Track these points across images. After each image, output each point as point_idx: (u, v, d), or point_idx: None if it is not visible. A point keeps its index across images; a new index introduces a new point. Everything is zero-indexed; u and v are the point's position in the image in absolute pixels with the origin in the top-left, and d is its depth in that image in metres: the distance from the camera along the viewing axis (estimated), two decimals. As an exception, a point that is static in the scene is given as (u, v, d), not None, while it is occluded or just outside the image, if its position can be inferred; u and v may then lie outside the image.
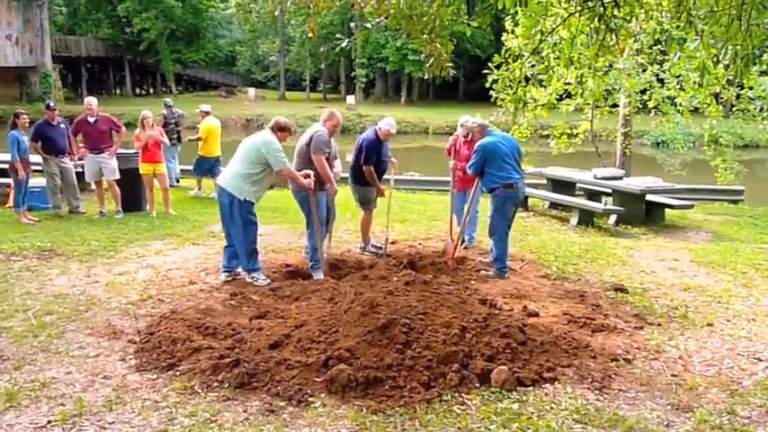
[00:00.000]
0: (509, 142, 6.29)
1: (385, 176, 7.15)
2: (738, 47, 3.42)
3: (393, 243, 7.39)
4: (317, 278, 5.93)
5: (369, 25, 4.84)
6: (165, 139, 9.58)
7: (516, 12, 5.53)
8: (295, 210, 7.17)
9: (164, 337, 4.26)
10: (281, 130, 5.77)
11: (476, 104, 38.55)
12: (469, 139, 7.09)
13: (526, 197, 10.32)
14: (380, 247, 7.24)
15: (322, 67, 52.32)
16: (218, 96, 48.22)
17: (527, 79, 6.23)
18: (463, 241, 7.13)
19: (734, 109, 12.97)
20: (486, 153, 6.09)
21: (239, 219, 5.60)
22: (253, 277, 5.72)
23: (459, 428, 3.24)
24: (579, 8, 4.28)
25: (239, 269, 5.87)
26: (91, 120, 9.05)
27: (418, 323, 4.08)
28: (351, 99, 39.98)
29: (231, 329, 4.40)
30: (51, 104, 9.11)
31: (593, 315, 4.96)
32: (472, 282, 5.94)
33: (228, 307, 5.04)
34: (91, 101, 9.20)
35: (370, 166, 6.80)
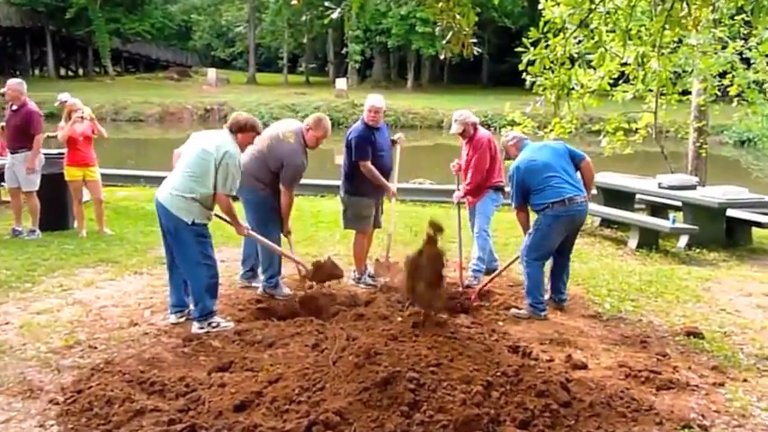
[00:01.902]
0: (547, 150, 6.42)
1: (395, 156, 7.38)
2: None
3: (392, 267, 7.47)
4: (281, 295, 6.42)
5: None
6: (104, 132, 9.61)
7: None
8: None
9: (96, 396, 4.24)
10: (241, 130, 5.70)
11: (504, 91, 38.58)
12: (470, 136, 7.36)
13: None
14: (379, 277, 7.31)
15: (304, 41, 52.74)
16: (168, 79, 48.60)
17: (572, 59, 6.28)
18: (486, 273, 7.25)
19: None
20: (519, 177, 6.26)
21: (189, 249, 5.59)
22: (210, 324, 5.67)
23: None
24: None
25: (191, 307, 5.88)
26: (15, 108, 9.00)
27: (429, 378, 4.08)
28: (341, 83, 40.23)
29: (184, 386, 4.40)
30: None
31: (659, 367, 4.97)
32: (500, 323, 5.97)
33: (181, 356, 5.05)
34: (15, 85, 9.04)
35: (365, 159, 6.93)
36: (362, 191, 6.96)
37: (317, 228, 10.25)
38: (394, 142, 7.35)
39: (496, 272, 7.01)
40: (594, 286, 7.29)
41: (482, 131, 7.44)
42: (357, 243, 7.30)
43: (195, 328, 5.63)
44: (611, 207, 10.71)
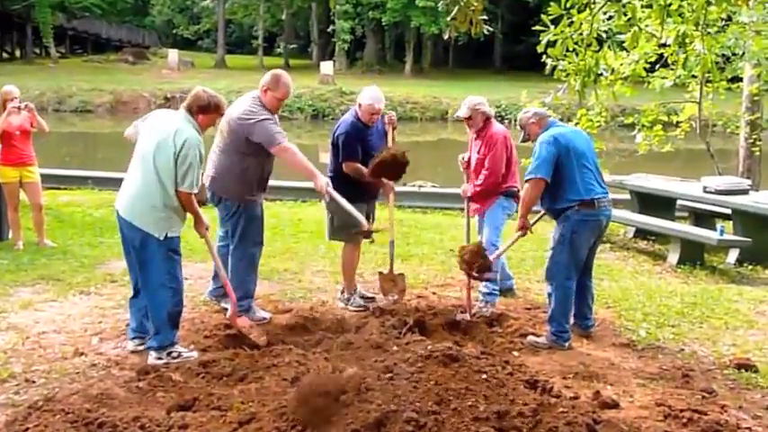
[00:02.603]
0: (583, 136, 6.52)
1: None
2: None
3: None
4: (257, 319, 6.50)
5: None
6: (45, 126, 9.54)
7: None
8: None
9: (33, 438, 4.23)
10: (203, 110, 5.64)
11: (520, 77, 38.78)
12: (480, 128, 7.36)
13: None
14: (371, 298, 7.33)
15: (282, 17, 52.87)
16: (122, 62, 48.65)
17: (600, 40, 6.30)
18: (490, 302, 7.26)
19: None
20: (557, 149, 6.15)
21: (155, 268, 5.59)
22: (170, 354, 5.67)
23: None
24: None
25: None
26: None
27: (431, 418, 4.08)
28: (327, 67, 40.32)
29: (139, 427, 4.37)
30: None
31: (704, 407, 4.96)
32: (515, 353, 5.97)
33: (135, 392, 5.01)
34: None
35: (353, 160, 6.98)
36: (351, 195, 6.81)
37: (297, 239, 10.25)
38: (385, 134, 7.38)
39: (499, 251, 7.08)
40: (627, 309, 7.30)
41: (497, 126, 7.39)
42: (346, 256, 7.31)
43: (152, 358, 5.60)
44: (647, 215, 10.73)
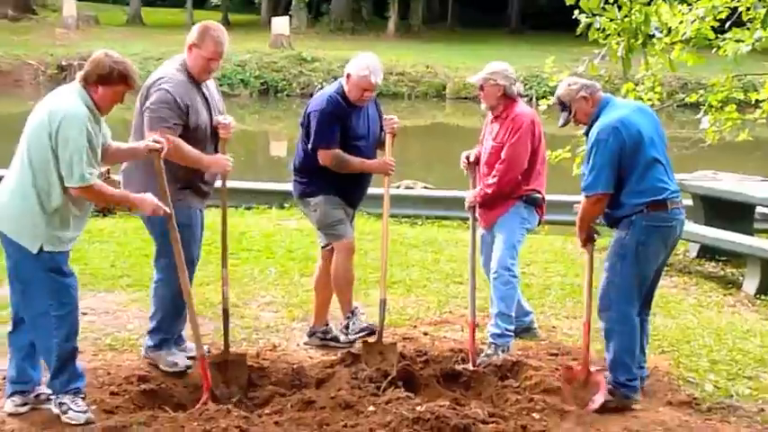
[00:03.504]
0: (647, 116, 6.54)
1: (380, 152, 7.54)
2: None
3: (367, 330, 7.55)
4: (168, 365, 6.56)
5: None
6: None
7: None
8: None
9: None
10: (103, 81, 5.60)
11: (543, 39, 38.56)
12: (499, 112, 7.38)
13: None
14: (348, 332, 7.49)
15: (220, -44, 52.81)
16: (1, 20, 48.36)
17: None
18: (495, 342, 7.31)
19: None
20: (618, 144, 6.17)
21: (36, 292, 5.62)
22: (61, 406, 5.68)
23: None
24: None
25: (42, 388, 5.88)
26: None
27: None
28: (280, 24, 40.10)
29: None
30: None
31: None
32: (535, 415, 5.98)
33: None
34: None
35: (328, 147, 7.10)
36: (326, 188, 7.25)
37: (239, 259, 10.24)
38: (381, 140, 7.51)
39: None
40: (689, 355, 7.36)
41: (523, 107, 7.44)
42: (339, 266, 7.39)
43: (54, 406, 5.71)
44: (715, 227, 10.75)
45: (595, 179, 6.18)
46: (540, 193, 7.43)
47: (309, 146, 7.18)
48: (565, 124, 6.62)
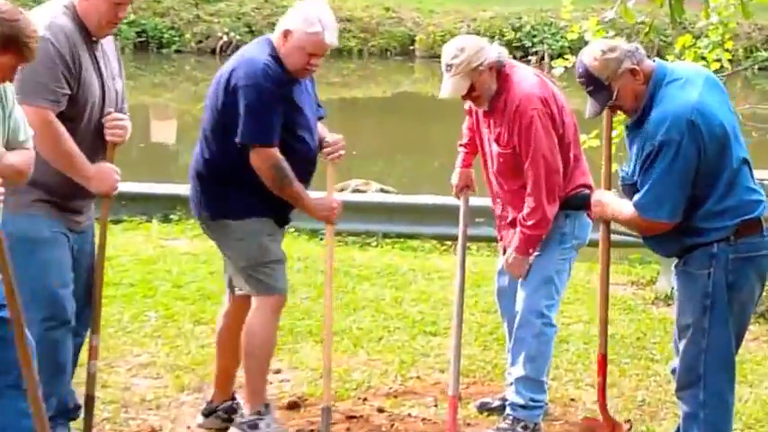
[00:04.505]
0: (717, 87, 6.39)
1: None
2: None
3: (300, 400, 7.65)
4: None
5: None
6: None
7: None
8: None
9: None
10: None
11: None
12: (494, 99, 7.24)
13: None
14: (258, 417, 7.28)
15: None
16: None
17: None
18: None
19: None
20: (703, 140, 6.01)
21: None
22: None
23: None
24: None
25: None
26: None
27: None
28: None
29: None
30: None
31: None
32: None
33: None
34: None
35: (270, 144, 6.92)
36: (259, 205, 7.06)
37: (103, 299, 10.12)
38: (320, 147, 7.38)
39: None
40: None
41: (521, 79, 7.27)
42: (260, 327, 7.23)
43: None
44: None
45: (658, 201, 6.06)
46: (581, 190, 7.30)
47: (238, 139, 6.88)
48: (599, 112, 6.39)
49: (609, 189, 6.57)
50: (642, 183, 6.06)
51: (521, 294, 7.34)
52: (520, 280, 7.37)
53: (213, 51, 38.04)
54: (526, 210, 7.11)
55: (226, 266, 7.54)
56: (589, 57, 6.23)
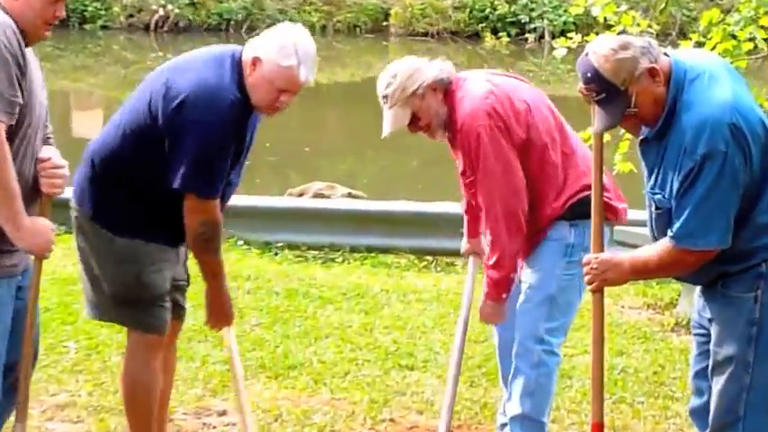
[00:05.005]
0: (740, 80, 6.36)
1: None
2: None
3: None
4: None
5: None
6: None
7: None
8: None
9: None
10: None
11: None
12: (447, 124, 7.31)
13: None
14: None
15: None
16: None
17: None
18: None
19: None
20: (749, 149, 5.92)
21: None
22: None
23: None
24: None
25: None
26: None
27: None
28: None
29: None
30: None
31: None
32: None
33: None
34: None
35: (212, 197, 6.87)
36: (148, 225, 6.99)
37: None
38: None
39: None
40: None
41: (466, 93, 7.29)
42: (137, 370, 7.24)
43: None
44: None
45: (706, 226, 5.93)
46: (582, 196, 7.20)
47: (176, 185, 6.74)
48: (616, 124, 6.25)
49: (602, 235, 6.41)
50: (681, 207, 5.92)
51: (518, 317, 7.39)
52: (518, 302, 7.36)
53: (147, 28, 38.04)
54: (486, 247, 7.31)
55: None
56: (599, 58, 6.03)
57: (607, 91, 5.97)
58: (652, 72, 5.99)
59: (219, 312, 7.19)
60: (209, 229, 6.86)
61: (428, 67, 7.22)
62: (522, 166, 7.18)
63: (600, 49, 6.03)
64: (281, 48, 6.81)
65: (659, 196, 6.06)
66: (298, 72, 6.78)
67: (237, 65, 6.87)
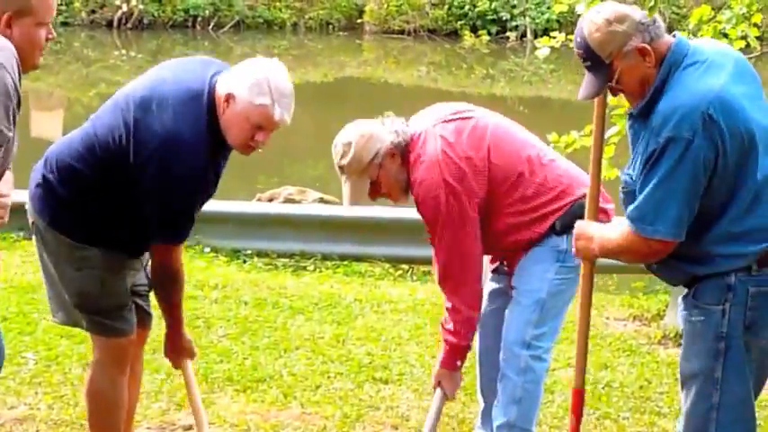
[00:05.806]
0: (750, 76, 6.32)
1: None
2: None
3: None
4: None
5: None
6: None
7: None
8: None
9: None
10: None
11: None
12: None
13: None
14: None
15: None
16: None
17: None
18: None
19: None
20: (722, 142, 5.87)
21: None
22: None
23: None
24: None
25: None
26: None
27: None
28: None
29: None
30: None
31: None
32: None
33: None
34: None
35: (179, 241, 6.98)
36: (110, 237, 6.92)
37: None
38: None
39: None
40: None
41: (421, 154, 7.26)
42: (102, 381, 7.22)
43: None
44: None
45: (656, 211, 5.94)
46: (571, 199, 7.29)
47: (153, 238, 6.83)
48: (595, 95, 6.32)
49: (597, 203, 6.52)
50: (640, 189, 5.92)
51: (506, 321, 7.41)
52: (508, 308, 7.39)
53: (110, 24, 38.19)
54: (445, 311, 7.30)
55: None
56: (591, 25, 6.03)
57: (592, 60, 6.04)
58: (642, 51, 5.99)
59: (181, 350, 7.23)
60: (179, 271, 6.92)
61: (383, 132, 7.24)
62: (496, 206, 7.28)
63: (596, 16, 6.05)
64: (255, 85, 6.70)
65: (627, 176, 6.13)
66: (273, 111, 6.72)
67: (210, 100, 6.79)
